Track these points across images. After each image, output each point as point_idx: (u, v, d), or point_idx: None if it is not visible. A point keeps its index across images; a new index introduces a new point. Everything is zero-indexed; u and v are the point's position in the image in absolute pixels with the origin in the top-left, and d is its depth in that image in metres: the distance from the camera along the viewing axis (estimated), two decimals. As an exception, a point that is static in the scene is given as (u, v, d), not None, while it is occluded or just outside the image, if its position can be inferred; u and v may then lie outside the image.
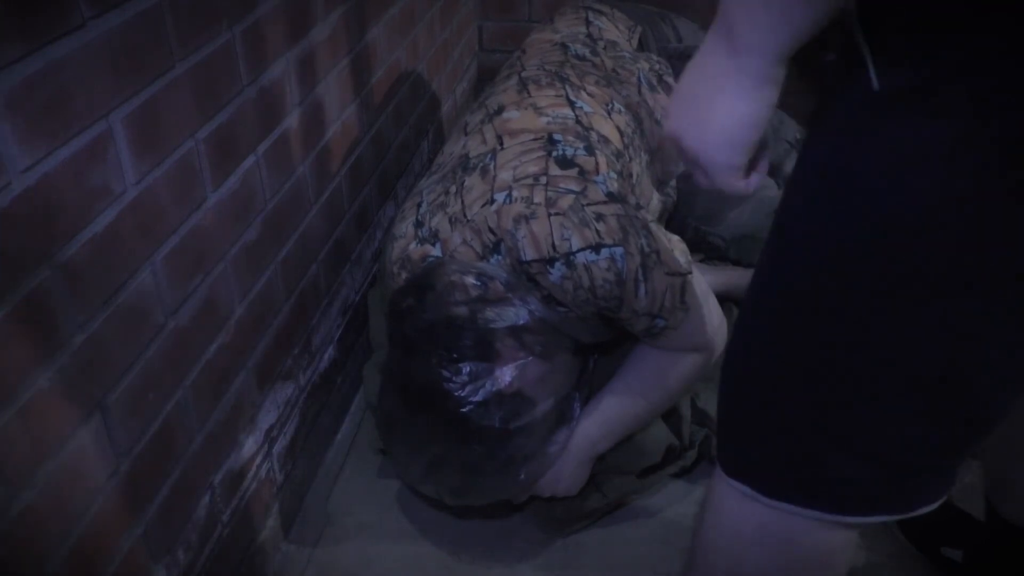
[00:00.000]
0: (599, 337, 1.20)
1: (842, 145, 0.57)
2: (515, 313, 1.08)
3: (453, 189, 1.14)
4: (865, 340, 0.60)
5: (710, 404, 1.38)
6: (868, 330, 0.59)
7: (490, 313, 1.07)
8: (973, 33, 0.49)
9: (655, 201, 1.33)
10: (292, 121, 1.15)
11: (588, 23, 1.49)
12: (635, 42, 1.53)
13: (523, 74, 1.32)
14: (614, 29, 1.51)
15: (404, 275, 1.16)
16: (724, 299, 1.46)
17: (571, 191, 1.05)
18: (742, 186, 0.64)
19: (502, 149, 1.14)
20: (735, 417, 0.73)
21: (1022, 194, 0.51)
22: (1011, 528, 1.01)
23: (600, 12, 1.54)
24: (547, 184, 1.06)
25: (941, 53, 0.50)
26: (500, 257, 1.08)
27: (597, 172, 1.09)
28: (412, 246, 1.14)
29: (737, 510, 0.73)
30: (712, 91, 0.59)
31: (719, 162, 0.61)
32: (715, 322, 1.20)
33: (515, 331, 1.08)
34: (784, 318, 0.64)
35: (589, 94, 1.24)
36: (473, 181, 1.12)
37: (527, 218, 1.04)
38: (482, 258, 1.09)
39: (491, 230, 1.07)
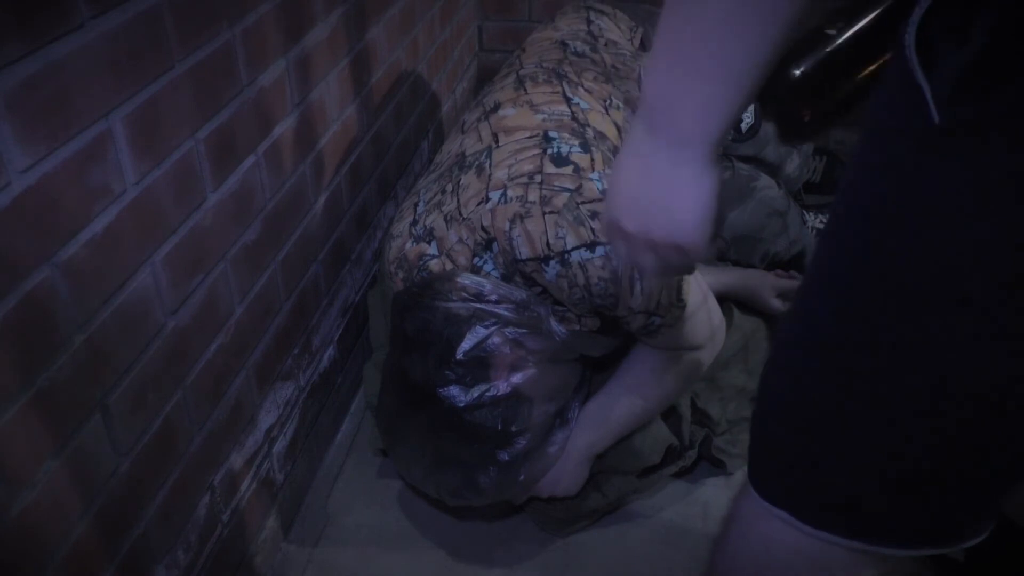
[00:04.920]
0: (607, 350, 1.20)
1: (901, 183, 0.56)
2: (521, 322, 1.08)
3: (449, 187, 1.14)
4: (923, 380, 0.59)
5: (710, 404, 1.38)
6: (926, 370, 0.58)
7: (495, 316, 1.07)
8: None
9: None
10: (292, 121, 1.15)
11: (589, 22, 1.49)
12: (637, 42, 1.53)
13: (521, 72, 1.32)
14: (615, 29, 1.51)
15: (401, 275, 1.16)
16: (724, 299, 1.46)
17: (566, 189, 1.05)
18: (714, 248, 0.66)
19: (498, 147, 1.14)
20: (780, 443, 0.71)
21: None
22: (1014, 526, 1.01)
23: (602, 12, 1.54)
24: (542, 182, 1.06)
25: (1008, 85, 0.48)
26: (491, 255, 1.08)
27: (592, 169, 1.09)
28: (408, 245, 1.14)
29: (770, 534, 0.71)
30: (667, 184, 0.61)
31: (697, 242, 0.63)
32: (714, 322, 1.20)
33: (519, 336, 1.08)
34: (840, 352, 0.63)
35: (587, 90, 1.24)
36: (469, 179, 1.12)
37: (522, 217, 1.04)
38: (474, 255, 1.09)
39: (483, 228, 1.07)
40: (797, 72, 0.77)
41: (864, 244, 0.59)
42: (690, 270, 0.72)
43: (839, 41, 0.75)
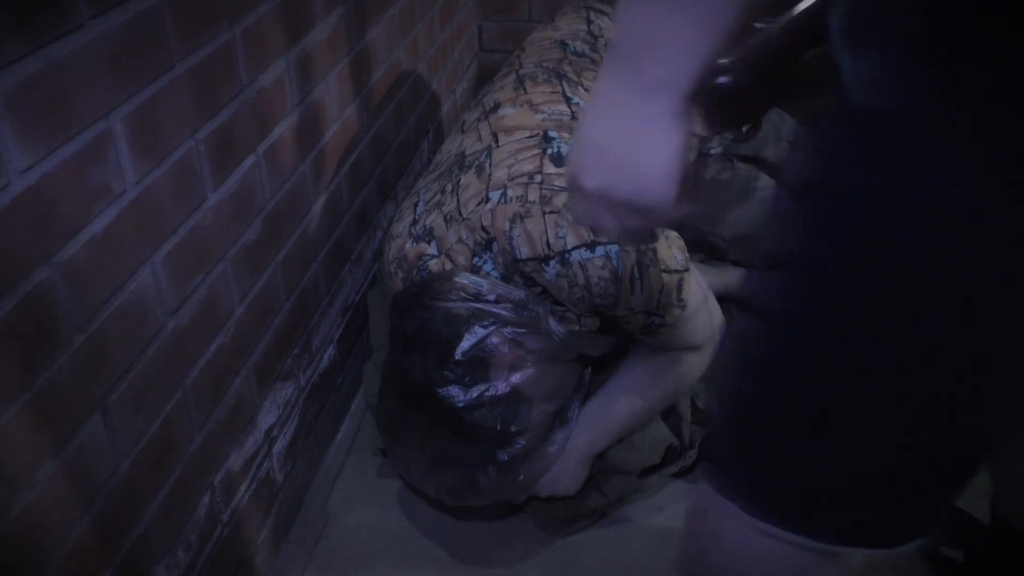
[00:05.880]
0: (606, 350, 1.20)
1: (828, 165, 0.55)
2: (519, 322, 1.08)
3: (449, 187, 1.14)
4: (863, 366, 0.58)
5: (710, 404, 1.38)
6: (867, 355, 0.57)
7: (493, 316, 1.07)
8: (967, 51, 0.46)
9: None
10: (292, 121, 1.15)
11: (589, 22, 1.49)
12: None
13: (520, 71, 1.32)
14: (615, 29, 1.51)
15: (401, 275, 1.16)
16: (724, 299, 1.46)
17: (566, 189, 1.05)
18: (680, 212, 0.64)
19: (497, 147, 1.14)
20: (743, 448, 0.70)
21: (1014, 218, 0.49)
22: (1011, 529, 1.01)
23: (602, 12, 1.54)
24: (542, 182, 1.06)
25: (932, 71, 0.48)
26: (491, 255, 1.08)
27: None
28: (408, 245, 1.14)
29: (744, 539, 0.70)
30: (635, 136, 0.57)
31: (661, 199, 0.59)
32: (714, 322, 1.20)
33: (518, 336, 1.08)
34: (785, 340, 0.62)
35: (586, 90, 1.24)
36: (469, 179, 1.12)
37: (522, 217, 1.04)
38: (474, 255, 1.09)
39: (483, 228, 1.07)
40: (723, 63, 0.74)
41: (801, 219, 0.59)
42: (653, 237, 0.68)
43: (769, 34, 0.73)
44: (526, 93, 1.23)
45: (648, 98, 0.55)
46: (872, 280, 0.55)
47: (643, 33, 0.54)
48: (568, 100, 1.20)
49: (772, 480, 0.66)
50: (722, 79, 0.71)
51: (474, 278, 1.07)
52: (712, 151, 1.58)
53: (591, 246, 1.02)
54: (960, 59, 0.47)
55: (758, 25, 0.72)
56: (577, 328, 1.14)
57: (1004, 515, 1.03)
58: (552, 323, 1.10)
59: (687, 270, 1.11)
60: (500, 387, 1.09)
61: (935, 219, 0.51)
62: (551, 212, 1.03)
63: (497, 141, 1.15)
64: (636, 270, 1.05)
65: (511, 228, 1.04)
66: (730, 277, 1.55)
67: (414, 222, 1.16)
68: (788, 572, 0.70)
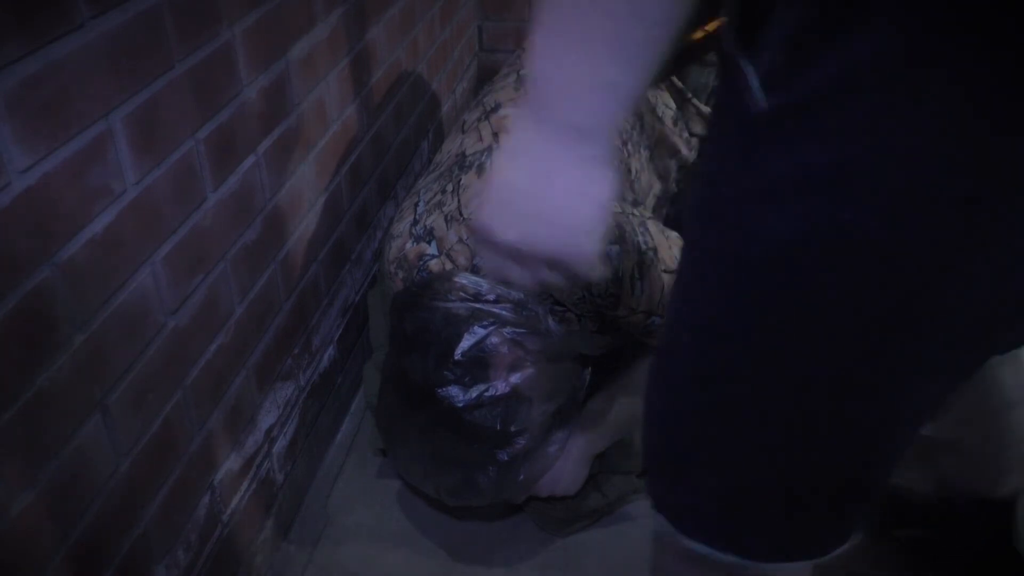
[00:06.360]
0: (605, 350, 1.20)
1: (723, 171, 0.53)
2: (519, 322, 1.08)
3: (450, 187, 1.14)
4: (762, 370, 0.56)
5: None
6: (763, 359, 0.55)
7: (493, 316, 1.07)
8: (854, 46, 0.43)
9: (655, 191, 1.33)
10: (292, 121, 1.15)
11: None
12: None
13: (521, 71, 1.32)
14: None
15: (401, 275, 1.16)
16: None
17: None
18: (602, 269, 0.61)
19: (499, 147, 1.14)
20: (659, 451, 0.69)
21: (905, 223, 0.47)
22: (967, 498, 1.01)
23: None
24: None
25: (824, 68, 0.45)
26: None
27: None
28: (408, 245, 1.14)
29: (679, 568, 0.70)
30: (558, 186, 0.53)
31: (586, 254, 0.55)
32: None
33: (518, 336, 1.08)
34: (686, 345, 0.61)
35: None
36: (470, 179, 1.12)
37: None
38: (474, 255, 1.09)
39: None
40: None
41: (694, 235, 0.58)
42: (566, 291, 0.64)
43: None
44: (526, 93, 1.23)
45: (571, 146, 0.52)
46: (769, 293, 0.53)
47: (562, 77, 0.50)
48: None
49: (697, 494, 0.65)
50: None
51: (474, 278, 1.07)
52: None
53: (591, 246, 1.02)
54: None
55: None
56: (577, 328, 1.13)
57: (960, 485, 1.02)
58: (552, 323, 1.10)
59: (687, 270, 1.11)
60: (500, 387, 1.09)
61: (823, 226, 0.49)
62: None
63: (498, 141, 1.15)
64: (637, 270, 1.05)
65: (511, 228, 1.04)
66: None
67: (414, 222, 1.16)
68: None
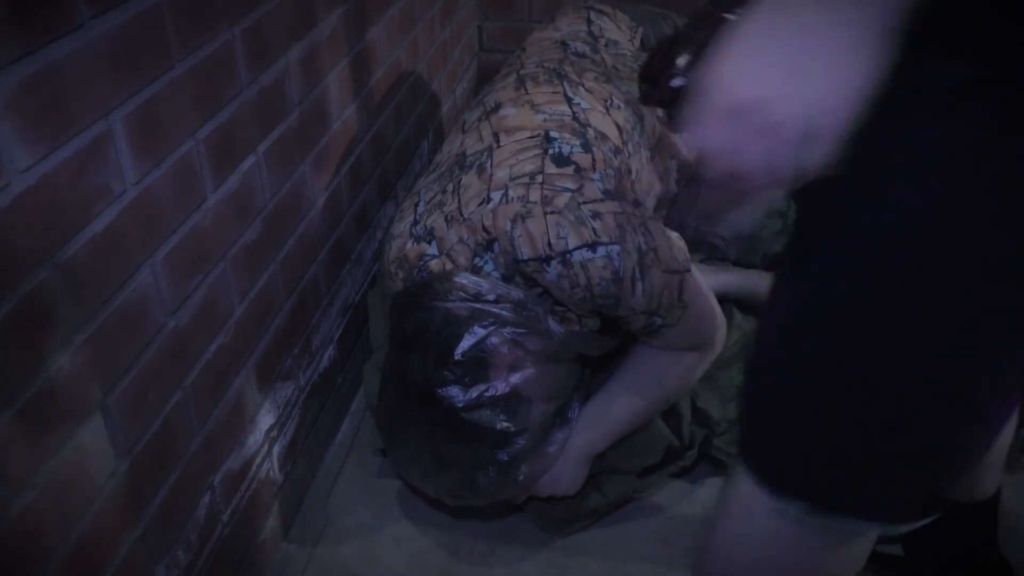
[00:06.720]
0: (605, 350, 1.20)
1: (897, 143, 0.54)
2: (519, 322, 1.08)
3: (450, 187, 1.14)
4: (899, 357, 0.59)
5: (710, 404, 1.38)
6: (903, 347, 0.59)
7: (493, 316, 1.07)
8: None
9: (656, 192, 1.33)
10: (292, 121, 1.15)
11: (589, 22, 1.49)
12: (637, 42, 1.53)
13: (521, 71, 1.32)
14: (616, 29, 1.51)
15: (401, 275, 1.16)
16: (724, 299, 1.46)
17: (567, 189, 1.05)
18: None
19: (499, 147, 1.14)
20: (769, 428, 0.71)
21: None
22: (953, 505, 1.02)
23: (602, 12, 1.54)
24: (543, 183, 1.06)
25: (989, 51, 0.46)
26: (491, 255, 1.08)
27: (594, 169, 1.09)
28: (408, 245, 1.14)
29: (772, 524, 0.71)
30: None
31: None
32: (715, 322, 1.20)
33: (517, 336, 1.08)
34: (825, 336, 0.63)
35: (587, 90, 1.24)
36: (470, 179, 1.12)
37: (523, 217, 1.04)
38: (475, 255, 1.09)
39: (484, 228, 1.07)
40: (680, 61, 0.71)
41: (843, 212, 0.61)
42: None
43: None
44: (527, 93, 1.23)
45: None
46: (915, 274, 0.56)
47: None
48: (569, 100, 1.20)
49: (810, 462, 0.67)
50: (676, 81, 0.70)
51: (474, 278, 1.07)
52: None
53: (592, 246, 1.02)
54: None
55: (727, 16, 0.66)
56: (577, 328, 1.13)
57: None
58: (552, 323, 1.10)
59: (688, 270, 1.11)
60: (500, 387, 1.09)
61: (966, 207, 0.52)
62: (552, 212, 1.03)
63: (498, 141, 1.15)
64: (638, 271, 1.04)
65: (512, 228, 1.04)
66: (730, 277, 1.55)
67: (415, 222, 1.16)
68: (806, 553, 0.71)
